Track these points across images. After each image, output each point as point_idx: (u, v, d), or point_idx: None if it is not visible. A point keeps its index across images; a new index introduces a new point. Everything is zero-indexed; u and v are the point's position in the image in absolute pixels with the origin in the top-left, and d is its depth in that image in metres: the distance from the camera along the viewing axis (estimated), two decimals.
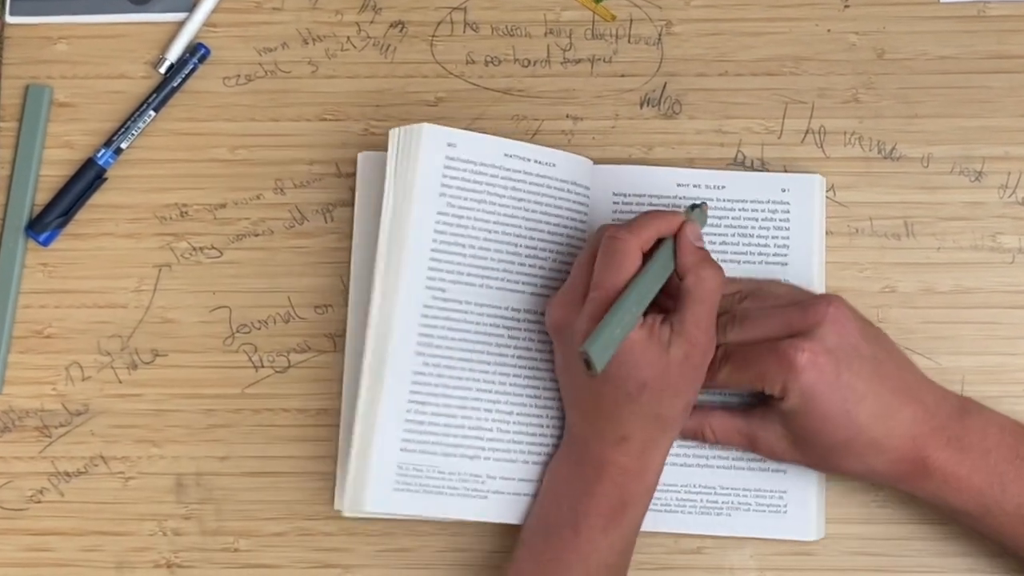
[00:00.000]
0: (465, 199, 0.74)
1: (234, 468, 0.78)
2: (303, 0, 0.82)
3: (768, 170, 0.79)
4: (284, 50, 0.82)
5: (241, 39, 0.82)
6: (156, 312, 0.79)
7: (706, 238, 0.73)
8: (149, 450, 0.78)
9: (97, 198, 0.80)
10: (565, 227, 0.76)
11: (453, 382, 0.74)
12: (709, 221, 0.76)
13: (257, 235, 0.80)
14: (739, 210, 0.77)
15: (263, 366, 0.79)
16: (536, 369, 0.75)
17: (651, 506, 0.72)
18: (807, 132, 0.79)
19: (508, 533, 0.75)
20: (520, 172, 0.75)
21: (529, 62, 0.81)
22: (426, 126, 0.73)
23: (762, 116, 0.80)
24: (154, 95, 0.81)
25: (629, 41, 0.81)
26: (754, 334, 0.70)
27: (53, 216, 0.80)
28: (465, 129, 0.75)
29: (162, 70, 0.81)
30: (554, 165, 0.76)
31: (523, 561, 0.71)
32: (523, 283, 0.75)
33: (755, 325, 0.70)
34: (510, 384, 0.75)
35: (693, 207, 0.73)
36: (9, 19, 0.82)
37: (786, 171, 0.78)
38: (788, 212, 0.76)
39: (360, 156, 0.79)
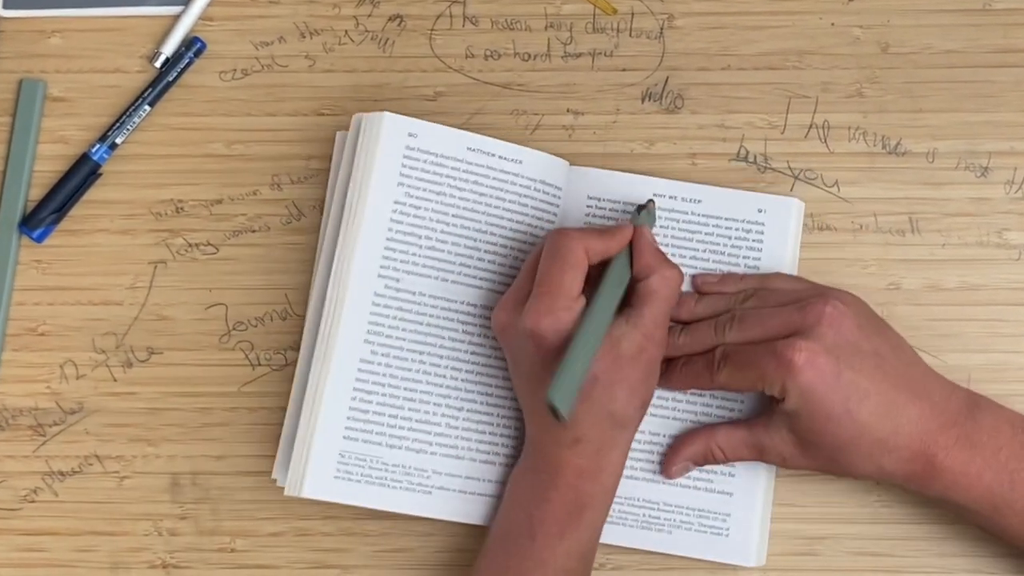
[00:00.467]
0: (424, 190, 0.73)
1: (230, 467, 0.78)
2: None
3: (771, 166, 0.78)
4: (281, 44, 0.81)
5: (237, 33, 0.81)
6: (151, 309, 0.79)
7: (677, 251, 0.74)
8: (144, 449, 0.78)
9: (92, 194, 0.80)
10: (530, 225, 0.75)
11: (401, 373, 0.73)
12: (681, 233, 0.75)
13: (253, 231, 0.79)
14: (712, 226, 0.76)
15: (260, 364, 0.78)
16: (489, 367, 0.74)
17: None
18: (811, 127, 0.79)
19: None
20: (483, 167, 0.74)
21: (529, 56, 0.80)
22: (387, 114, 0.73)
23: (765, 111, 0.79)
24: (149, 89, 0.80)
25: (631, 35, 0.80)
26: (753, 334, 0.70)
27: (47, 212, 0.79)
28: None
29: (157, 64, 0.81)
30: (520, 162, 0.75)
31: (483, 572, 0.71)
32: (481, 279, 0.74)
33: (754, 325, 0.70)
34: (462, 380, 0.74)
35: (640, 208, 0.73)
36: (3, 12, 0.82)
37: (789, 167, 0.78)
38: (762, 233, 0.76)
39: (338, 135, 0.78)
